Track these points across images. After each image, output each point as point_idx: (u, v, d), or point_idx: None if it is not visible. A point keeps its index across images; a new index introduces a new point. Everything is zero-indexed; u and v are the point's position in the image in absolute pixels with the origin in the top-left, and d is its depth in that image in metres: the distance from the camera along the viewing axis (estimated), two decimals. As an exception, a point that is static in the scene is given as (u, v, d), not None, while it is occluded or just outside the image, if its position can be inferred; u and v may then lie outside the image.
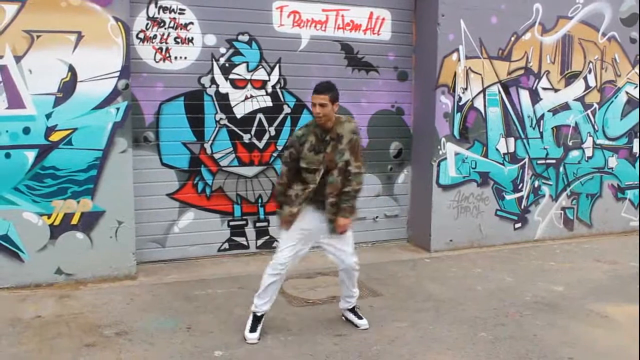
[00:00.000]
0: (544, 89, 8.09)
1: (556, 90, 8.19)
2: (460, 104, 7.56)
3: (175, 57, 6.69)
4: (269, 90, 7.13)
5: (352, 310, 5.24)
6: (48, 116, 5.82)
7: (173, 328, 5.04)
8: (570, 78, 8.25)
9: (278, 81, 7.16)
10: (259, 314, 4.92)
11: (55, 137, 5.87)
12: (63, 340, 4.75)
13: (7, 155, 5.73)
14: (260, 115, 7.13)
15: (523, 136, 8.04)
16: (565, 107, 8.29)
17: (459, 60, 7.48)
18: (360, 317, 5.20)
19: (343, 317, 5.30)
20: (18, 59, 5.67)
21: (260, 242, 7.31)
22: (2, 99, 5.67)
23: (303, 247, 4.92)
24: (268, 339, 4.86)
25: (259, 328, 4.88)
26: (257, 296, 4.93)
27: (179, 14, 6.64)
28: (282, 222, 4.93)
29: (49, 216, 5.95)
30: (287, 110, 7.24)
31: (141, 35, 6.52)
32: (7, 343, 4.68)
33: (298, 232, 4.86)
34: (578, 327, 5.26)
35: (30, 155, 5.81)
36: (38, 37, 5.71)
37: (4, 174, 5.75)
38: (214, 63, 6.86)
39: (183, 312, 5.40)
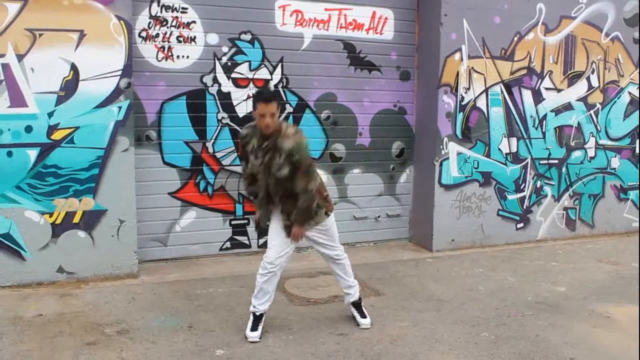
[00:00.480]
0: (547, 89, 8.10)
1: (559, 91, 8.19)
2: (463, 103, 7.56)
3: (178, 56, 6.70)
4: (272, 89, 7.12)
5: (357, 305, 5.21)
6: (50, 115, 5.83)
7: (174, 327, 5.05)
8: (573, 78, 8.25)
9: (280, 80, 7.17)
10: (257, 314, 4.92)
11: (57, 135, 5.88)
12: (64, 339, 4.76)
13: (9, 154, 5.74)
14: (262, 115, 7.12)
15: (525, 136, 8.05)
16: (568, 107, 8.29)
17: (462, 59, 7.48)
18: (364, 316, 5.18)
19: (352, 313, 5.26)
20: (20, 57, 5.68)
21: (261, 241, 7.29)
22: (4, 98, 5.68)
23: (285, 245, 4.85)
24: (269, 338, 4.87)
25: (260, 327, 4.88)
26: (254, 297, 4.93)
27: (182, 12, 6.65)
28: (255, 224, 4.91)
29: (51, 215, 5.96)
30: (289, 109, 7.26)
31: (143, 34, 6.53)
32: (9, 341, 4.69)
33: (276, 231, 4.85)
34: (580, 328, 5.26)
35: (32, 153, 5.83)
36: (40, 35, 5.72)
37: (6, 172, 5.76)
38: (216, 62, 6.87)
39: (184, 311, 5.41)
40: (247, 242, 7.27)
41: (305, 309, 5.56)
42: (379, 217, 7.88)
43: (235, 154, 7.03)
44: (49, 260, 6.00)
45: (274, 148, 4.55)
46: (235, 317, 5.29)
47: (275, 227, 4.87)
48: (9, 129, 5.71)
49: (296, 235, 4.81)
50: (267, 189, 4.74)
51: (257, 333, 4.84)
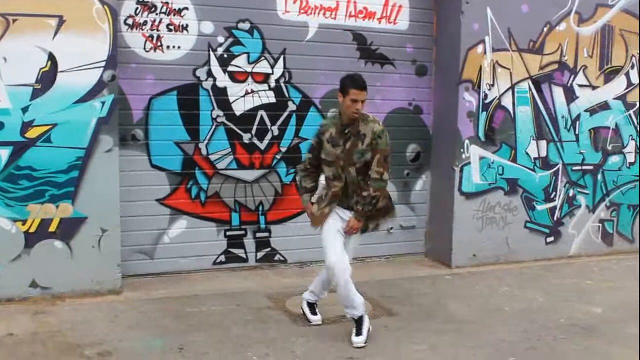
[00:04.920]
0: (581, 86, 8.08)
1: (594, 88, 8.18)
2: (486, 102, 7.54)
3: (168, 47, 6.70)
4: (272, 84, 7.13)
5: (311, 305, 5.68)
6: (24, 110, 5.81)
7: (163, 348, 5.01)
8: (610, 74, 8.24)
9: (282, 75, 7.17)
10: (357, 317, 5.21)
11: (32, 133, 5.86)
12: (38, 361, 4.72)
13: (-22, 154, 5.74)
14: (262, 113, 7.13)
15: (556, 139, 8.02)
16: (605, 106, 8.27)
17: (485, 53, 7.47)
18: (314, 313, 5.64)
19: (301, 309, 5.72)
20: (-9, 45, 5.69)
21: (260, 254, 7.29)
22: (-27, 91, 5.68)
23: (343, 246, 5.18)
24: (269, 362, 4.83)
25: (363, 329, 5.19)
26: (346, 307, 5.24)
27: (172, -3, 6.67)
28: (313, 221, 5.29)
29: (24, 222, 5.93)
30: (291, 107, 7.24)
31: (130, 21, 6.53)
32: (-24, 363, 4.66)
33: (333, 234, 5.15)
34: (619, 353, 5.22)
35: (4, 153, 5.80)
36: (14, 21, 5.70)
37: (-26, 174, 5.76)
38: (211, 53, 6.86)
39: (174, 331, 5.37)
40: (243, 255, 7.24)
41: (310, 330, 5.52)
42: (391, 228, 7.84)
43: (232, 157, 7.03)
44: (21, 274, 5.96)
45: (357, 134, 5.04)
46: (231, 338, 5.25)
47: (333, 228, 5.14)
48: (-22, 126, 5.71)
49: (351, 228, 5.12)
50: (345, 180, 5.11)
51: (318, 317, 5.53)
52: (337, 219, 5.19)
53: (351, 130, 5.04)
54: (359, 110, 4.99)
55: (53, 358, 4.78)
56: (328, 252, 5.11)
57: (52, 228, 6.01)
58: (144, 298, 6.20)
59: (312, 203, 5.34)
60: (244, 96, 7.03)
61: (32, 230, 5.96)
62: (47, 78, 5.86)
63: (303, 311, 5.68)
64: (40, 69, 5.83)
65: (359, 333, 5.16)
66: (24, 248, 5.95)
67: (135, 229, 6.70)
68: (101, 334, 5.25)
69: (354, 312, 5.18)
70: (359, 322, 5.19)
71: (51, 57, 5.85)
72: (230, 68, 6.96)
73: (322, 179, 5.41)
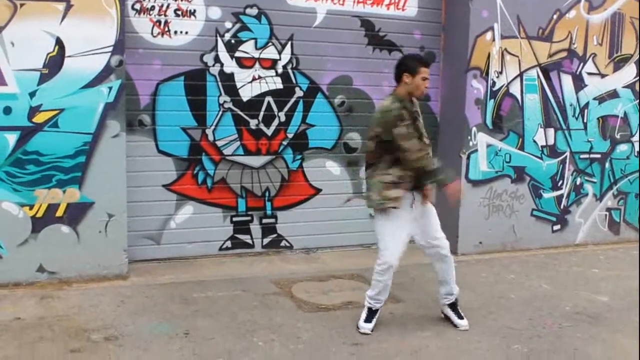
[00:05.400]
0: (590, 74, 8.05)
1: (603, 76, 8.15)
2: (494, 89, 7.52)
3: (175, 32, 6.69)
4: (280, 70, 7.12)
5: (452, 306, 5.43)
6: (32, 95, 5.82)
7: (169, 333, 5.03)
8: (619, 62, 8.20)
9: (290, 61, 7.15)
10: (374, 309, 5.22)
11: (39, 118, 5.87)
12: (45, 345, 4.75)
13: (-14, 138, 5.76)
14: (269, 99, 7.12)
15: (564, 127, 8.00)
16: (614, 94, 8.24)
17: (494, 40, 7.44)
18: (461, 317, 5.40)
19: (442, 315, 5.53)
20: (-1, 30, 5.69)
21: (266, 240, 7.31)
22: (-20, 75, 5.70)
23: (404, 245, 5.18)
24: (275, 348, 4.85)
25: (374, 320, 5.20)
26: (372, 298, 5.23)
27: (180, -18, 6.66)
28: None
29: (31, 207, 5.95)
30: (299, 93, 7.23)
31: (137, 6, 6.52)
32: (-16, 346, 4.69)
33: (400, 229, 5.10)
34: (624, 342, 5.21)
35: (11, 138, 5.82)
36: (21, 5, 5.70)
37: (-19, 158, 5.78)
38: (219, 39, 6.85)
39: (180, 316, 5.39)
40: (249, 241, 7.26)
41: (315, 316, 5.54)
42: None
43: (238, 143, 7.03)
44: (28, 258, 5.99)
45: (418, 112, 5.12)
46: (237, 323, 5.28)
47: (405, 222, 5.12)
48: (-15, 110, 5.73)
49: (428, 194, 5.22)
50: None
51: (371, 325, 5.20)
52: (408, 210, 5.13)
53: (415, 109, 5.11)
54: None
55: (60, 342, 4.80)
56: (385, 250, 5.13)
57: (59, 213, 6.04)
58: (150, 283, 6.22)
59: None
60: (251, 82, 7.02)
61: (39, 215, 5.98)
62: (55, 63, 5.87)
63: (448, 317, 5.48)
64: (48, 53, 5.84)
65: (368, 320, 5.19)
66: (31, 233, 5.97)
67: (142, 215, 6.72)
68: (108, 319, 5.29)
69: (377, 304, 5.25)
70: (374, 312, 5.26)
71: (58, 42, 5.85)
72: (237, 54, 6.95)
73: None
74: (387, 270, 5.10)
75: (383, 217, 5.10)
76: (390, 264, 5.08)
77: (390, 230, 5.08)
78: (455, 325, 5.34)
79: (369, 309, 5.23)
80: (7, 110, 5.77)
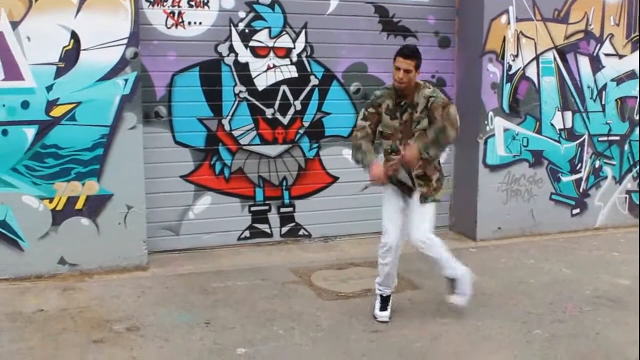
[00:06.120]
0: (607, 55, 7.99)
1: (621, 57, 8.08)
2: (510, 73, 7.48)
3: (189, 23, 6.70)
4: (294, 59, 7.12)
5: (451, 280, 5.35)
6: (49, 89, 5.87)
7: (190, 323, 5.08)
8: (637, 42, 8.12)
9: (304, 49, 7.15)
10: (385, 295, 5.24)
11: (57, 112, 5.92)
12: (69, 336, 4.81)
13: (4, 133, 5.80)
14: (284, 88, 7.12)
15: (582, 109, 7.95)
16: (632, 75, 8.17)
17: (509, 23, 7.39)
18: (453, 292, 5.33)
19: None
20: (15, 24, 5.72)
21: (284, 229, 7.33)
22: (-3, 70, 5.74)
23: (402, 228, 5.16)
24: (295, 336, 4.88)
25: (389, 307, 5.22)
26: (380, 284, 5.27)
27: (193, -27, 6.67)
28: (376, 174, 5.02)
29: (51, 200, 6.01)
30: (314, 81, 7.23)
31: (151, -2, 6.56)
32: (8, 339, 4.75)
33: (394, 212, 5.14)
34: (646, 325, 5.21)
35: (30, 132, 5.87)
36: (36, 0, 5.73)
37: (0, 153, 5.81)
38: (233, 29, 6.86)
39: (200, 306, 5.44)
40: (268, 230, 7.29)
41: (335, 304, 5.56)
42: (415, 202, 7.83)
43: (255, 132, 7.05)
44: (50, 251, 6.06)
45: (412, 105, 4.99)
46: (257, 312, 5.31)
47: (394, 206, 5.13)
48: (3, 105, 5.76)
49: (409, 155, 4.88)
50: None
51: (387, 313, 5.20)
52: (398, 196, 5.14)
53: (407, 101, 4.99)
54: (402, 79, 4.88)
55: (83, 333, 4.87)
56: (386, 233, 5.14)
57: (79, 205, 6.09)
58: (170, 274, 6.27)
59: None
60: (266, 71, 7.02)
61: (59, 208, 6.04)
62: (71, 56, 5.90)
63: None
64: (64, 47, 5.87)
65: (383, 309, 5.21)
66: (52, 226, 6.03)
67: (160, 206, 6.76)
68: (129, 310, 5.34)
69: (386, 289, 5.28)
70: (386, 299, 5.27)
71: (74, 36, 5.89)
72: (251, 43, 6.95)
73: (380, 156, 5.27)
74: (388, 252, 5.12)
75: (383, 198, 5.23)
76: (390, 245, 5.10)
77: (386, 211, 5.18)
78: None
79: (380, 296, 5.26)
80: (25, 105, 5.82)
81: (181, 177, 6.88)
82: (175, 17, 6.64)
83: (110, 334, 4.86)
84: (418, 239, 5.07)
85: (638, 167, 8.37)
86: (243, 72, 6.95)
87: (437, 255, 5.19)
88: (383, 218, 5.19)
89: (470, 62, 7.54)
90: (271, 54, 7.03)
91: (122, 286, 5.88)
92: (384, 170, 4.99)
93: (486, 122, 7.43)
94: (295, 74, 7.14)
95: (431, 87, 5.06)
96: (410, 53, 4.92)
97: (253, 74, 6.99)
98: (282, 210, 7.31)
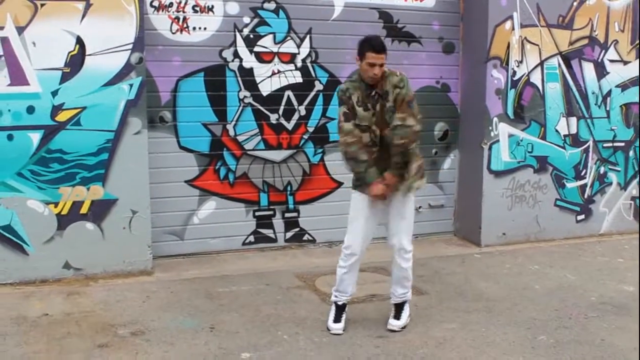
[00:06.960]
0: (612, 61, 7.99)
1: (625, 63, 8.08)
2: (515, 79, 7.48)
3: (194, 28, 6.72)
4: (299, 64, 7.14)
5: (397, 306, 5.19)
6: (54, 94, 5.89)
7: (195, 328, 5.08)
8: (641, 49, 8.14)
9: (309, 54, 7.17)
10: (340, 303, 5.09)
11: (62, 117, 5.94)
12: (73, 341, 4.81)
13: (10, 137, 5.82)
14: (288, 93, 7.14)
15: (587, 115, 7.95)
16: (636, 82, 8.16)
17: (513, 29, 7.40)
18: (396, 318, 5.15)
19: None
20: (20, 30, 5.74)
21: (289, 234, 7.34)
22: (3, 75, 5.75)
23: (370, 232, 5.06)
24: (300, 340, 4.88)
25: (343, 318, 5.07)
26: (335, 289, 5.11)
27: (198, -22, 6.69)
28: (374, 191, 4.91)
29: (56, 204, 6.03)
30: (318, 86, 7.25)
31: (156, 4, 6.56)
32: (13, 343, 4.76)
33: (363, 214, 5.00)
34: (652, 331, 5.20)
35: (35, 137, 5.89)
36: (42, 5, 5.76)
37: (6, 157, 5.84)
38: (237, 34, 6.88)
39: (205, 311, 5.44)
40: (272, 235, 7.30)
41: (339, 309, 5.56)
42: (420, 207, 7.82)
43: (259, 138, 7.06)
44: (54, 255, 6.07)
45: (383, 94, 4.86)
46: (261, 317, 5.32)
47: (364, 209, 5.00)
48: (8, 110, 5.78)
49: (387, 181, 4.85)
50: (382, 142, 4.91)
51: (341, 325, 5.04)
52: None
53: (378, 91, 4.86)
54: (377, 75, 4.77)
55: (87, 338, 4.87)
56: (349, 233, 5.06)
57: (84, 210, 6.11)
58: (174, 278, 6.28)
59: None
60: (270, 77, 7.04)
61: (64, 212, 6.06)
62: (76, 62, 5.93)
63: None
64: (69, 52, 5.90)
65: (337, 320, 5.09)
66: (57, 230, 6.05)
67: (165, 210, 6.77)
68: (134, 314, 5.35)
69: (342, 296, 5.14)
70: (341, 307, 5.13)
71: (79, 41, 5.91)
72: (256, 49, 6.96)
73: None
74: (351, 255, 5.01)
75: (353, 198, 5.12)
76: (354, 249, 5.00)
77: (351, 214, 5.10)
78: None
79: (335, 304, 5.13)
80: (31, 110, 5.84)
81: (186, 182, 6.89)
82: (180, 23, 6.66)
83: (115, 339, 4.86)
84: (403, 247, 5.02)
85: (643, 174, 8.39)
86: (248, 77, 6.97)
87: (409, 270, 5.11)
88: (352, 218, 5.07)
89: (474, 67, 7.55)
90: (276, 59, 7.05)
91: (127, 291, 5.89)
92: (383, 189, 4.89)
93: (491, 128, 7.44)
94: (299, 80, 7.16)
95: (398, 75, 4.89)
96: (382, 47, 4.79)
97: (258, 80, 7.01)
98: (287, 215, 7.32)
